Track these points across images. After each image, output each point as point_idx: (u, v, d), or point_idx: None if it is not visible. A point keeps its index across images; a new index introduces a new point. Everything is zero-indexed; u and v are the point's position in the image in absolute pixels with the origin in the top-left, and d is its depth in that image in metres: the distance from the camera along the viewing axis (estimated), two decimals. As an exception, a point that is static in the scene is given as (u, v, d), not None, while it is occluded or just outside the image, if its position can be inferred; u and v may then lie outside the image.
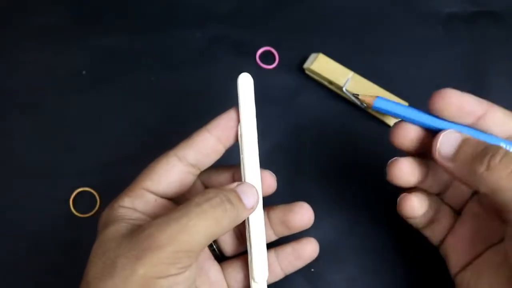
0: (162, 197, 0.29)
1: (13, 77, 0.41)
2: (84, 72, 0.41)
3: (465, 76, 0.41)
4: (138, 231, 0.25)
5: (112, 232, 0.26)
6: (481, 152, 0.26)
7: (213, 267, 0.31)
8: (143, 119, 0.40)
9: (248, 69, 0.41)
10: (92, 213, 0.37)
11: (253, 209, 0.28)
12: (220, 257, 0.32)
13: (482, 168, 0.25)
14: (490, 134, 0.27)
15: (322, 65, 0.39)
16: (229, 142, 0.29)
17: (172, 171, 0.28)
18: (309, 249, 0.31)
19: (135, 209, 0.28)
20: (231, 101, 0.40)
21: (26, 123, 0.40)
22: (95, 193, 0.38)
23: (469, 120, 0.27)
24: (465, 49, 0.42)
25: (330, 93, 0.40)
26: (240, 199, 0.27)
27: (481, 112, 0.27)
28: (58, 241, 0.37)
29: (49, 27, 0.42)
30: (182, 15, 0.43)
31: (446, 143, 0.27)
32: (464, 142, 0.27)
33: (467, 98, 0.27)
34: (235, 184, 0.28)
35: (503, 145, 0.27)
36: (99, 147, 0.39)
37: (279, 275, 0.32)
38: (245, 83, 0.29)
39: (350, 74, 0.39)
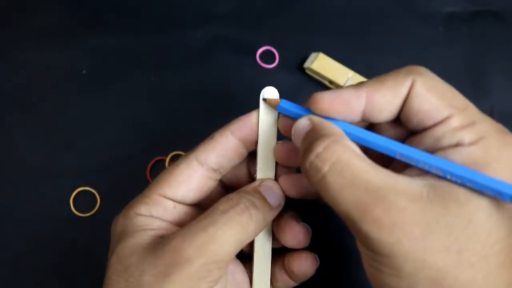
0: (180, 203, 0.27)
1: (13, 77, 0.41)
2: (84, 72, 0.41)
3: (465, 76, 0.41)
4: (162, 243, 0.23)
5: (132, 244, 0.24)
6: (307, 145, 0.21)
7: (238, 268, 0.29)
8: (143, 119, 0.40)
9: (248, 69, 0.41)
10: (92, 212, 0.37)
11: (279, 207, 0.27)
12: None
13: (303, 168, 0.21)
14: (383, 137, 0.23)
15: (322, 65, 0.39)
16: (253, 145, 0.28)
17: (193, 177, 0.27)
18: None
19: (153, 217, 0.26)
20: (231, 101, 0.40)
21: (26, 123, 0.40)
22: (95, 192, 0.38)
23: (355, 117, 0.23)
24: (465, 49, 0.42)
25: (330, 92, 0.40)
26: (265, 200, 0.26)
27: (360, 105, 0.23)
28: (58, 241, 0.37)
29: (49, 27, 0.42)
30: (182, 15, 0.43)
31: (297, 134, 0.23)
32: (307, 134, 0.22)
33: (339, 97, 0.23)
34: (257, 182, 0.27)
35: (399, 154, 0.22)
36: (99, 147, 0.39)
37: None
38: (269, 95, 0.27)
39: (350, 73, 0.39)
